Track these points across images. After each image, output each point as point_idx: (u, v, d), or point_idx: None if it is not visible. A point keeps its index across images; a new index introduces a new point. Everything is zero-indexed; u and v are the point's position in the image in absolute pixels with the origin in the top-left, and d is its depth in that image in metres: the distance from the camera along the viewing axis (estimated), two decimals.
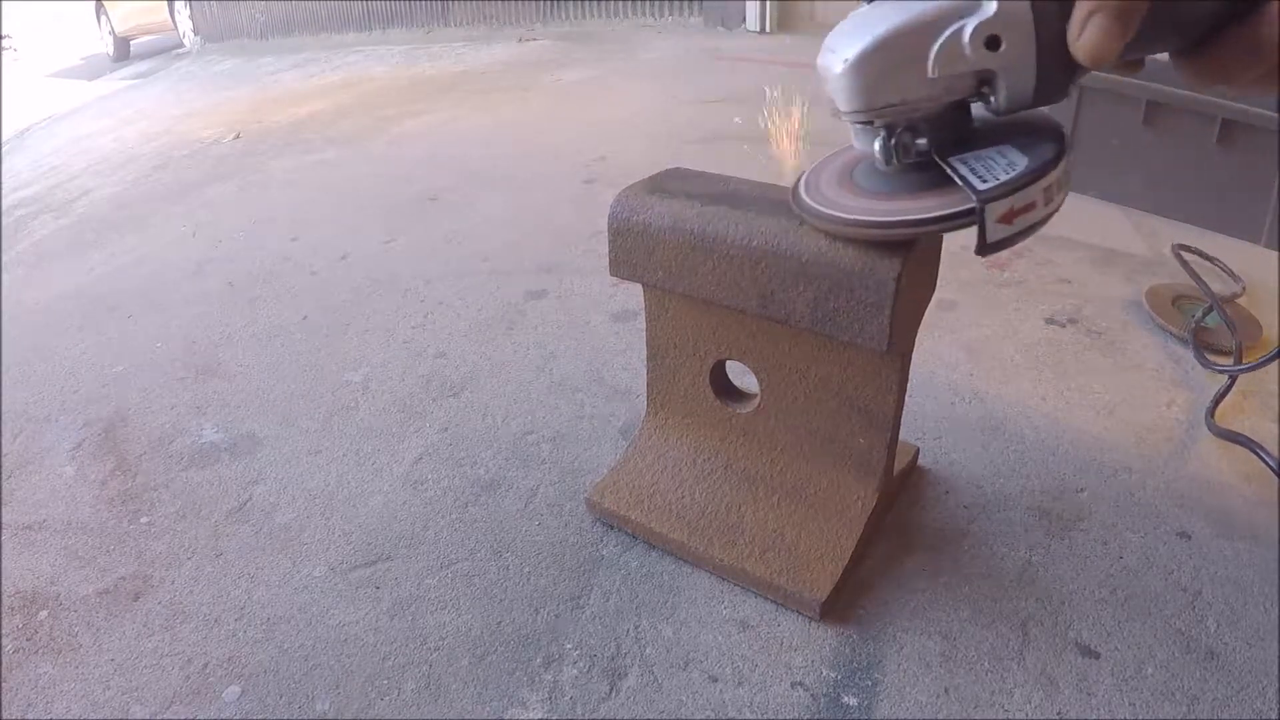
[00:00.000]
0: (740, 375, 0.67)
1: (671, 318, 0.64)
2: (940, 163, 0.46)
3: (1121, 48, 0.38)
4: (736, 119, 1.89)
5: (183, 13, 6.27)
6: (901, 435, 0.64)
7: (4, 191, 2.45)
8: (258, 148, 2.19)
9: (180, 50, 6.30)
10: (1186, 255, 1.08)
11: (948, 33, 0.41)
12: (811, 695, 0.54)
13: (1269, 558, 0.63)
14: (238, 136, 2.38)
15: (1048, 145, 0.46)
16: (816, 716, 0.53)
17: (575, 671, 0.57)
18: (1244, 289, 1.01)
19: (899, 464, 0.67)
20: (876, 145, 0.46)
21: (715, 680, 0.55)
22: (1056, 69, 0.40)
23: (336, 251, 1.31)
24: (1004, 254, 1.14)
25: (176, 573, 0.67)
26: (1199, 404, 0.80)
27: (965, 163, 0.46)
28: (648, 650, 0.58)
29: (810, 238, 0.52)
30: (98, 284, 1.31)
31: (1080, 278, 1.07)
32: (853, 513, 0.61)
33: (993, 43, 0.40)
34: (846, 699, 0.54)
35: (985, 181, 0.44)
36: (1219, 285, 1.01)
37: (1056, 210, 0.46)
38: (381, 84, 3.16)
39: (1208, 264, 1.08)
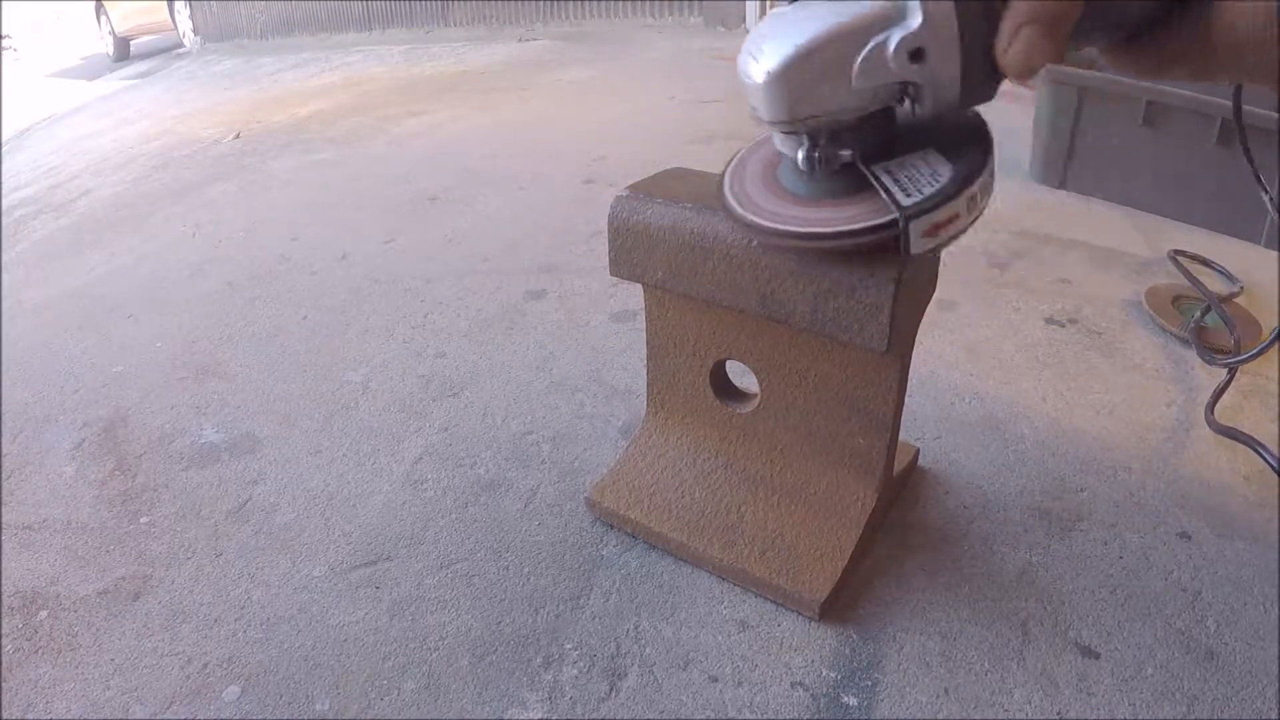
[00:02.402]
0: (740, 375, 0.67)
1: (671, 318, 0.65)
2: (865, 171, 0.45)
3: (1051, 59, 0.37)
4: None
5: (183, 13, 6.29)
6: (901, 435, 0.64)
7: (4, 191, 2.45)
8: (258, 148, 2.19)
9: (180, 50, 6.31)
10: (1183, 260, 1.08)
11: (871, 44, 0.39)
12: (811, 695, 0.54)
13: (1269, 558, 0.63)
14: (238, 136, 2.38)
15: (973, 149, 0.45)
16: (816, 716, 0.53)
17: (575, 671, 0.57)
18: (1242, 288, 1.01)
19: (899, 464, 0.67)
20: (800, 155, 0.46)
21: (715, 680, 0.55)
22: (982, 78, 0.40)
23: (336, 251, 1.31)
24: (1004, 254, 1.14)
25: (176, 573, 0.67)
26: (1199, 404, 0.80)
27: (889, 172, 0.45)
28: (648, 650, 0.58)
29: None
30: (98, 284, 1.31)
31: (1080, 278, 1.07)
32: (852, 513, 0.61)
33: (917, 55, 0.39)
34: (846, 699, 0.54)
35: (909, 195, 0.44)
36: (1218, 285, 1.02)
37: (981, 214, 0.46)
38: (381, 84, 3.16)
39: (1206, 267, 1.08)
